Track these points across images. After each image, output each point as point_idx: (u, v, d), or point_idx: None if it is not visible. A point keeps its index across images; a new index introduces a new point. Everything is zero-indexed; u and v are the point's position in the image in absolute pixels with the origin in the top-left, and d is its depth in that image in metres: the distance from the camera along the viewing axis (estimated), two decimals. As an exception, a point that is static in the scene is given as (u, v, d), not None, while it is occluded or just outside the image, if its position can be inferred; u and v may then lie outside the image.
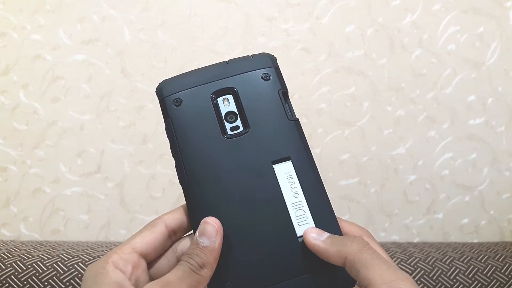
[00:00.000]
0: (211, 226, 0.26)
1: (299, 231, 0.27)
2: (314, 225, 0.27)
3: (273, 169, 0.28)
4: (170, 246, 0.29)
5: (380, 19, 0.67)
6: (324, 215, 0.27)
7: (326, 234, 0.27)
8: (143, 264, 0.28)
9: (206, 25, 0.67)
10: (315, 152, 0.68)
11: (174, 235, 0.29)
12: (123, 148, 0.68)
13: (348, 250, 0.25)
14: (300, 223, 0.27)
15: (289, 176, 0.28)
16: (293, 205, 0.27)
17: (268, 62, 0.31)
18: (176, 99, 0.29)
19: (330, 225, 0.27)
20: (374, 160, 0.69)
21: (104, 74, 0.67)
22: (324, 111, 0.68)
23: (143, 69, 0.67)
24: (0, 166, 0.67)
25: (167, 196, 0.68)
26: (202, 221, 0.27)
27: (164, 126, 0.29)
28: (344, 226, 0.29)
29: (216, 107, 0.29)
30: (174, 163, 0.29)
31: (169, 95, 0.30)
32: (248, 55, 0.31)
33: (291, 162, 0.28)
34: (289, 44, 0.67)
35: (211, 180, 0.28)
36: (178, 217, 0.29)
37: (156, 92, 0.30)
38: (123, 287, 0.25)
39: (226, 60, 0.32)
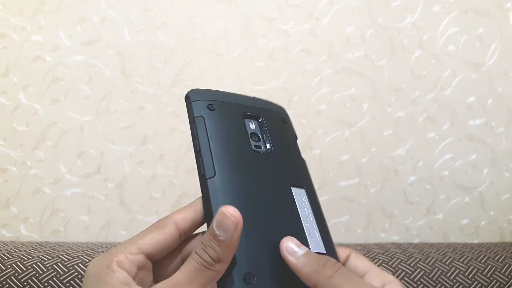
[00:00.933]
0: (230, 219, 0.24)
1: (311, 247, 0.28)
2: (323, 246, 0.28)
3: (291, 190, 0.30)
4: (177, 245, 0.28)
5: (380, 20, 0.67)
6: (329, 241, 0.29)
7: (304, 250, 0.26)
8: (149, 265, 0.27)
9: (206, 26, 0.67)
10: (315, 153, 0.68)
11: (184, 235, 0.28)
12: (123, 149, 0.68)
13: (318, 276, 0.24)
14: (311, 241, 0.28)
15: (303, 201, 0.30)
16: (306, 224, 0.29)
17: (285, 111, 0.36)
18: (211, 104, 0.31)
19: (333, 251, 0.29)
20: (374, 161, 0.69)
21: (104, 75, 0.67)
22: (324, 112, 0.68)
23: (143, 70, 0.67)
24: (0, 167, 0.67)
25: (167, 197, 0.68)
26: (220, 210, 0.24)
27: (192, 124, 0.30)
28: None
29: (244, 124, 0.32)
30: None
31: (203, 99, 0.31)
32: (268, 100, 0.35)
33: (304, 191, 0.31)
34: (289, 45, 0.67)
35: (238, 177, 0.28)
36: (189, 217, 0.28)
37: (189, 95, 0.31)
38: None
39: (252, 95, 0.35)
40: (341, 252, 0.30)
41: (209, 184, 0.27)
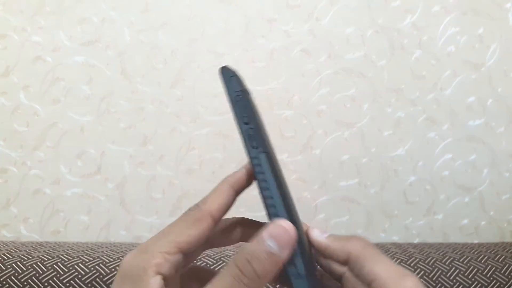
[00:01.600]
0: (288, 234, 0.22)
1: None
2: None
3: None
4: None
5: (380, 21, 0.67)
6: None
7: (327, 233, 0.27)
8: (183, 261, 0.24)
9: (206, 26, 0.67)
10: (315, 153, 0.68)
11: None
12: (123, 149, 0.68)
13: (352, 246, 0.25)
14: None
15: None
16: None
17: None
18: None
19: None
20: (374, 161, 0.69)
21: (104, 75, 0.67)
22: (324, 113, 0.68)
23: (143, 70, 0.67)
24: (1, 167, 0.67)
25: (167, 197, 0.68)
26: (277, 222, 0.22)
27: (242, 95, 0.28)
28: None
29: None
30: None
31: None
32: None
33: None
34: (289, 45, 0.67)
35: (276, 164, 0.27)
36: (223, 205, 0.25)
37: (230, 68, 0.30)
38: None
39: None
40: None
41: (263, 159, 0.26)
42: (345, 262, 0.26)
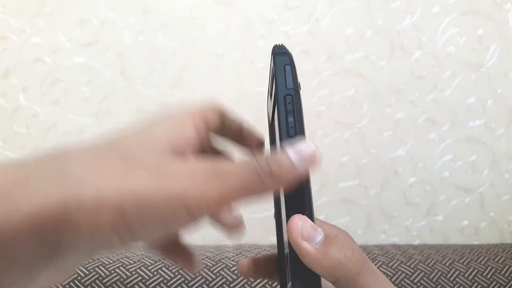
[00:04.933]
0: (311, 150, 0.21)
1: None
2: None
3: None
4: None
5: (379, 21, 0.67)
6: None
7: (320, 235, 0.22)
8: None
9: (205, 27, 0.67)
10: (315, 154, 0.68)
11: None
12: (123, 150, 0.67)
13: (343, 272, 0.22)
14: None
15: None
16: None
17: None
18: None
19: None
20: (374, 163, 0.69)
21: (104, 77, 0.67)
22: (324, 114, 0.68)
23: (143, 71, 0.67)
24: (0, 169, 0.67)
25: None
26: (305, 142, 0.21)
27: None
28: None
29: None
30: None
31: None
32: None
33: None
34: (288, 46, 0.67)
35: None
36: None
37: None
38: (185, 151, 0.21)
39: None
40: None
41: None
42: (333, 283, 0.23)
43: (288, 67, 0.24)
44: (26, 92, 0.67)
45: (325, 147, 0.68)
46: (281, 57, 0.24)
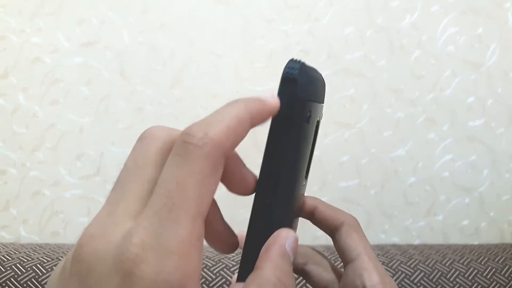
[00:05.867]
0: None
1: None
2: None
3: None
4: None
5: (379, 21, 0.67)
6: None
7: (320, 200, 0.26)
8: None
9: (205, 27, 0.67)
10: (315, 154, 0.68)
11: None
12: (122, 150, 0.67)
13: (345, 216, 0.25)
14: None
15: None
16: None
17: None
18: (310, 112, 0.22)
19: None
20: (374, 162, 0.69)
21: (103, 76, 0.67)
22: (323, 113, 0.68)
23: (142, 71, 0.67)
24: (0, 168, 0.67)
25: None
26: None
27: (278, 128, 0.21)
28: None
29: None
30: None
31: (309, 100, 0.22)
32: None
33: None
34: (288, 46, 0.67)
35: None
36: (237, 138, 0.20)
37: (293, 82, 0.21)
38: None
39: None
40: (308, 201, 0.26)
41: (265, 208, 0.21)
42: (332, 230, 0.25)
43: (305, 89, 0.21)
44: (26, 92, 0.67)
45: (325, 147, 0.68)
46: (292, 79, 0.21)
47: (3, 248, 0.54)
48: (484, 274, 0.52)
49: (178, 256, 0.16)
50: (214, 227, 0.21)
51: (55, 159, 0.67)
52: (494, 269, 0.52)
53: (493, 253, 0.55)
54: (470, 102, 0.69)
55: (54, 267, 0.50)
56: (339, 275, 0.26)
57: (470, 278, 0.52)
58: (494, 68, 0.68)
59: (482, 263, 0.53)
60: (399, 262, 0.53)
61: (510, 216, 0.70)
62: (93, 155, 0.67)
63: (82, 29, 0.66)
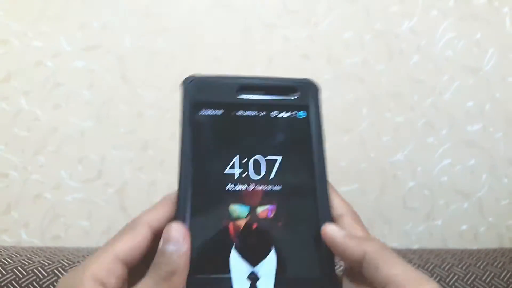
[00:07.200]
0: (177, 231, 0.24)
1: None
2: None
3: None
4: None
5: (378, 25, 0.68)
6: None
7: (343, 231, 0.26)
8: (126, 272, 0.25)
9: (206, 31, 0.67)
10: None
11: (159, 235, 0.25)
12: (123, 154, 0.68)
13: (368, 245, 0.24)
14: None
15: None
16: None
17: None
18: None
19: None
20: (373, 167, 0.69)
21: (105, 80, 0.67)
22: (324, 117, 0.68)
23: (144, 75, 0.67)
24: (1, 172, 0.67)
25: (167, 202, 0.68)
26: (165, 227, 0.24)
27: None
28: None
29: None
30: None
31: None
32: None
33: None
34: (288, 50, 0.68)
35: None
36: (162, 216, 0.26)
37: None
38: None
39: None
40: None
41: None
42: (359, 262, 0.24)
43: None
44: (27, 95, 0.67)
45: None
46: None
47: (4, 251, 0.54)
48: (483, 279, 0.52)
49: None
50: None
51: (56, 162, 0.67)
52: (493, 274, 0.52)
53: (492, 258, 0.55)
54: (468, 107, 0.69)
55: (55, 270, 0.50)
56: None
57: (469, 282, 0.52)
58: (493, 73, 0.68)
59: (481, 267, 0.53)
60: (398, 266, 0.53)
61: (509, 221, 0.70)
62: (95, 158, 0.68)
63: (84, 33, 0.67)
